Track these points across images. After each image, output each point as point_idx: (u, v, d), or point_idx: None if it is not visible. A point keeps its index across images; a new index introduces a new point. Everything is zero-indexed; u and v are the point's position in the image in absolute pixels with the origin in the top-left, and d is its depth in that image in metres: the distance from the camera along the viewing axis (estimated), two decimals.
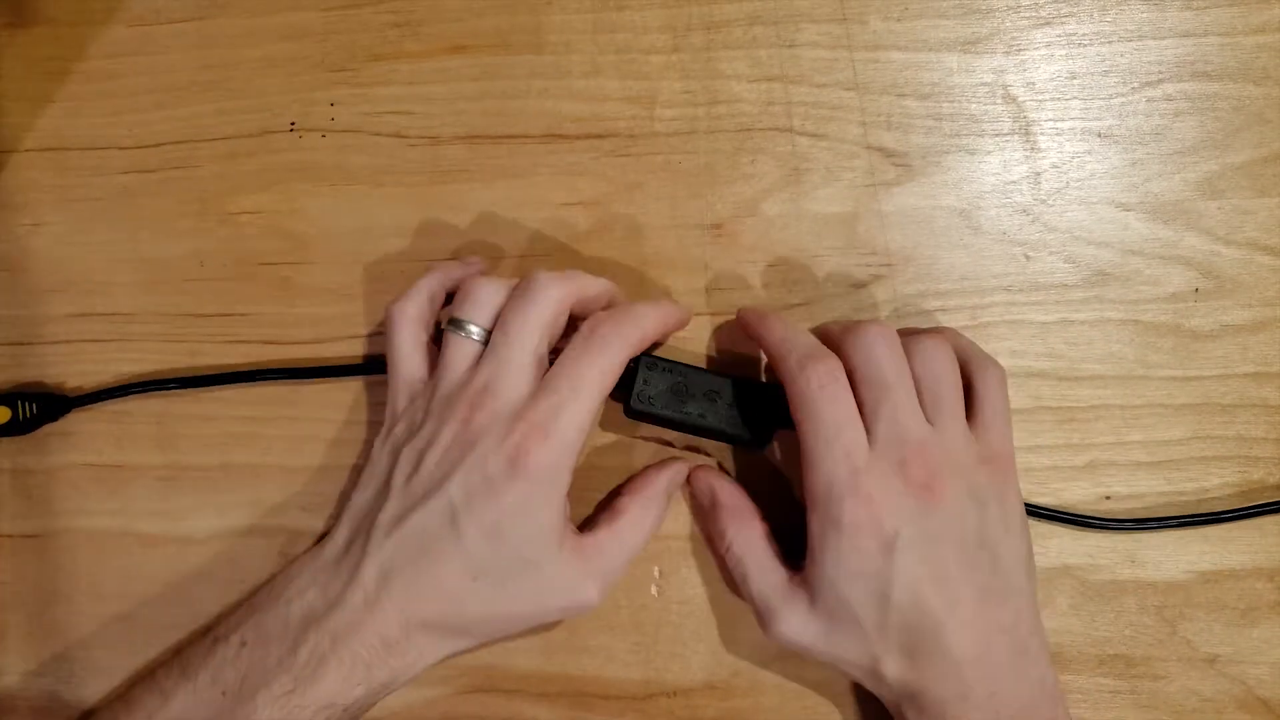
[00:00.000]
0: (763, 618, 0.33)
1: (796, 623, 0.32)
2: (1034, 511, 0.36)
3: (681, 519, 0.38)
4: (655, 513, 0.35)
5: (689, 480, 0.37)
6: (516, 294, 0.33)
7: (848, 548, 0.31)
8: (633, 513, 0.35)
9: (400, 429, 0.34)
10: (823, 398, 0.31)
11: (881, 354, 0.32)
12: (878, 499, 0.30)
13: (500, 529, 0.31)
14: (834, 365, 0.32)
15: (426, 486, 0.32)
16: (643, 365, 0.35)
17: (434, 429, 0.32)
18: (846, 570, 0.31)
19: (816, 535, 0.31)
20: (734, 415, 0.35)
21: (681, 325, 0.36)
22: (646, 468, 0.37)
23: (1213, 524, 0.36)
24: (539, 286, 0.33)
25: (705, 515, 0.37)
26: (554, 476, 0.31)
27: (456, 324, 0.34)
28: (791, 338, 0.33)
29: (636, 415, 0.35)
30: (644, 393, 0.35)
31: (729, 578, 0.37)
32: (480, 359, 0.33)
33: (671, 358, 0.36)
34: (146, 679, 0.33)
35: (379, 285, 0.39)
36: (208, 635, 0.34)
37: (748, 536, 0.34)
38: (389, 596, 0.32)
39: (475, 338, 0.33)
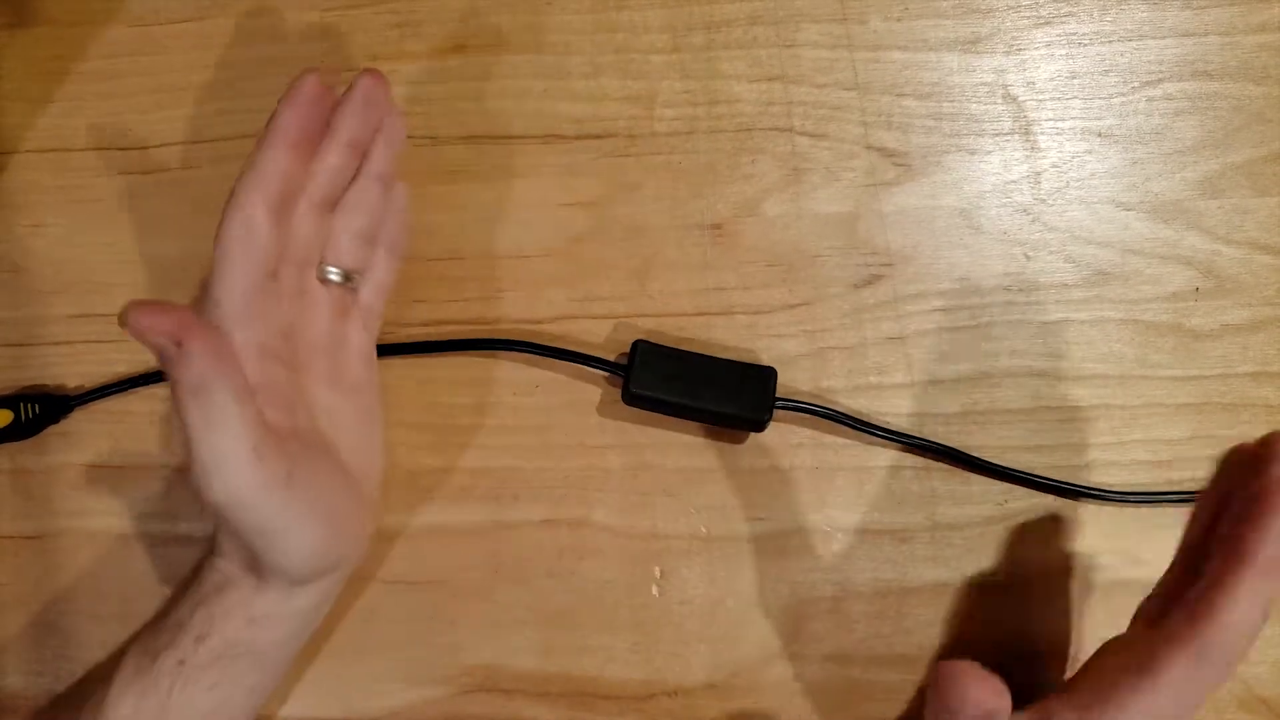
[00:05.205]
0: None
1: None
2: (1037, 483, 0.37)
3: (682, 519, 0.38)
4: None
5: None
6: None
7: None
8: None
9: None
10: None
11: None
12: None
13: None
14: None
15: None
16: (639, 351, 0.35)
17: None
18: None
19: None
20: (732, 397, 0.35)
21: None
22: None
23: None
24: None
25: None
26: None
27: None
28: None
29: (634, 400, 0.35)
30: (641, 377, 0.35)
31: None
32: None
33: (669, 345, 0.36)
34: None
35: None
36: None
37: None
38: None
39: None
